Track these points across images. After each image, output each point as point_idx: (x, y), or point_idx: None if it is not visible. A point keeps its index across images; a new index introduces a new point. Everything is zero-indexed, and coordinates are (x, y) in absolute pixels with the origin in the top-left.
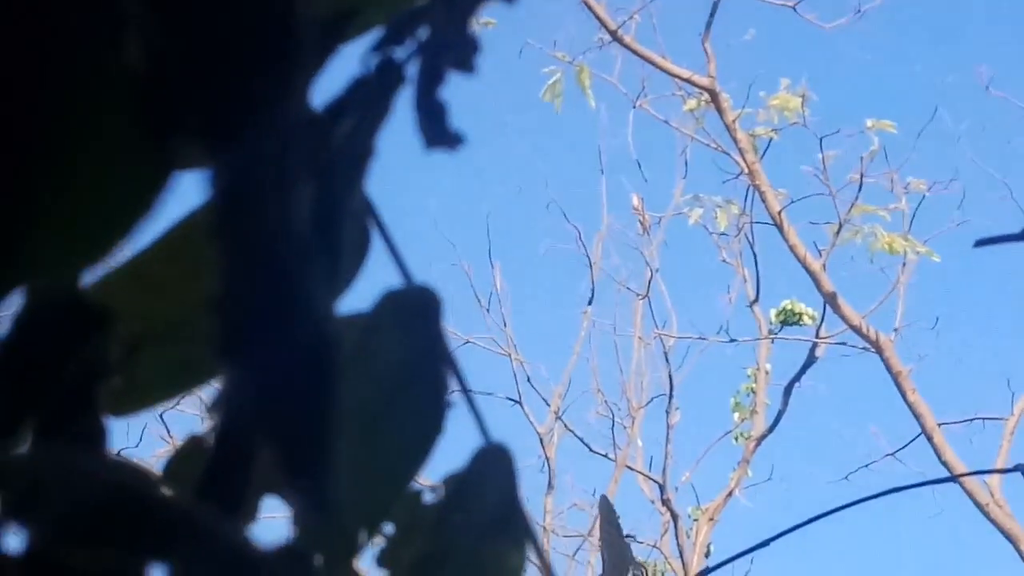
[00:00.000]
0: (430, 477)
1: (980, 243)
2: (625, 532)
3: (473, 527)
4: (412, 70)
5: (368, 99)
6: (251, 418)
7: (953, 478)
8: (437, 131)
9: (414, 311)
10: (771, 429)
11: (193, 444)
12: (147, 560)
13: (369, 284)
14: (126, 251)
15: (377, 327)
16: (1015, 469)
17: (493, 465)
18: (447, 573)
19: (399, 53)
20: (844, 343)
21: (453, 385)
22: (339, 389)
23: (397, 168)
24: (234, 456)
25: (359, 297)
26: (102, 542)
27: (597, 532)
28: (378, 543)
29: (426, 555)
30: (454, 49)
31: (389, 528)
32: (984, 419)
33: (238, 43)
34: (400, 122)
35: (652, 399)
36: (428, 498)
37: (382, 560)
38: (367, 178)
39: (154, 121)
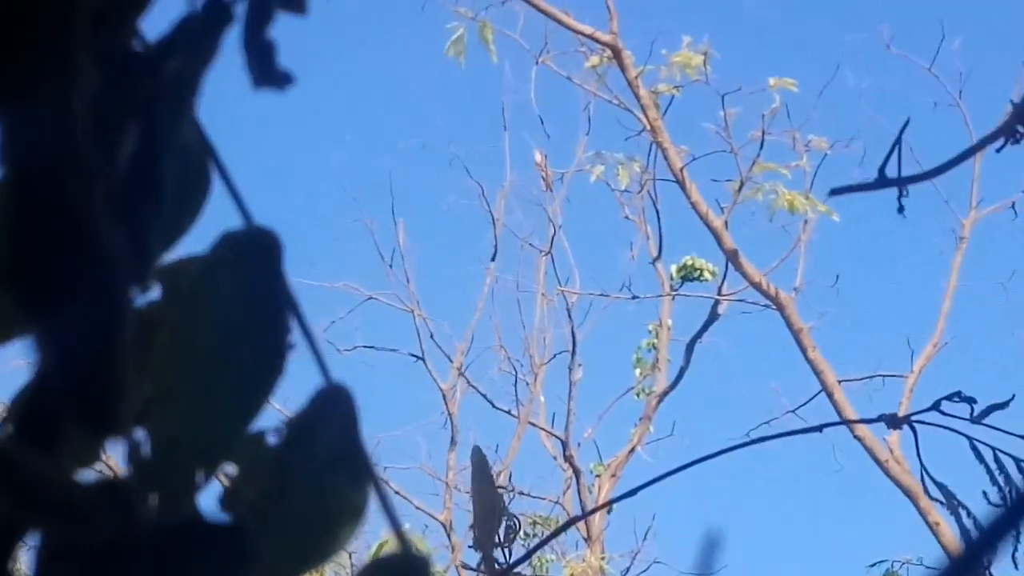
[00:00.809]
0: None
1: (834, 192)
2: (506, 485)
3: (313, 467)
4: (240, 9)
5: (195, 38)
6: (55, 364)
7: (819, 428)
8: (265, 70)
9: (253, 252)
10: (673, 385)
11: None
12: None
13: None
14: None
15: (215, 267)
16: (879, 419)
17: (333, 406)
18: (287, 512)
19: None
20: (745, 300)
21: (293, 327)
22: (132, 338)
23: (298, 124)
24: (46, 399)
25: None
26: None
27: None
28: (219, 483)
29: (266, 495)
30: None
31: (231, 469)
32: (884, 376)
33: None
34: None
35: (555, 355)
36: (270, 439)
37: (224, 500)
38: (195, 116)
39: None
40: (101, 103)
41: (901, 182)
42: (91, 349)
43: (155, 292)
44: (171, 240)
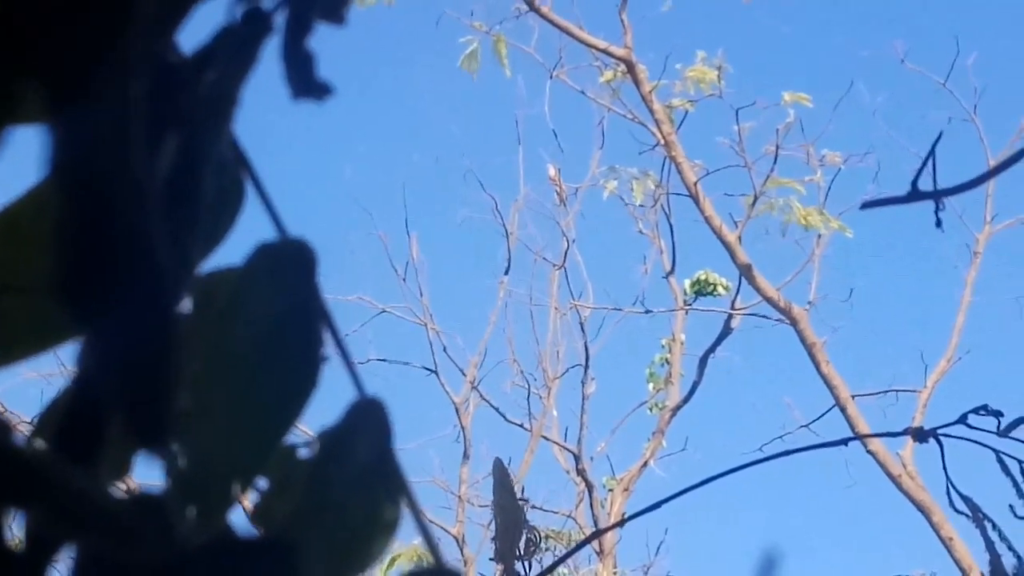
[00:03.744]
0: (306, 431)
1: (866, 205)
2: (526, 499)
3: (346, 481)
4: (280, 19)
5: (234, 48)
6: (102, 375)
7: (843, 441)
8: (304, 81)
9: (288, 264)
10: (686, 400)
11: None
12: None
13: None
14: None
15: (250, 280)
16: (904, 433)
17: (367, 419)
18: (320, 527)
19: (266, 2)
20: (758, 314)
21: (327, 339)
22: (183, 350)
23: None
24: (88, 410)
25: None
26: None
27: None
28: (252, 497)
29: (299, 509)
30: None
31: (263, 483)
32: (897, 391)
33: None
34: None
35: (568, 369)
36: (302, 452)
37: (256, 514)
38: (232, 127)
39: None
40: (143, 113)
41: (936, 195)
42: (142, 358)
43: (188, 304)
44: (206, 252)
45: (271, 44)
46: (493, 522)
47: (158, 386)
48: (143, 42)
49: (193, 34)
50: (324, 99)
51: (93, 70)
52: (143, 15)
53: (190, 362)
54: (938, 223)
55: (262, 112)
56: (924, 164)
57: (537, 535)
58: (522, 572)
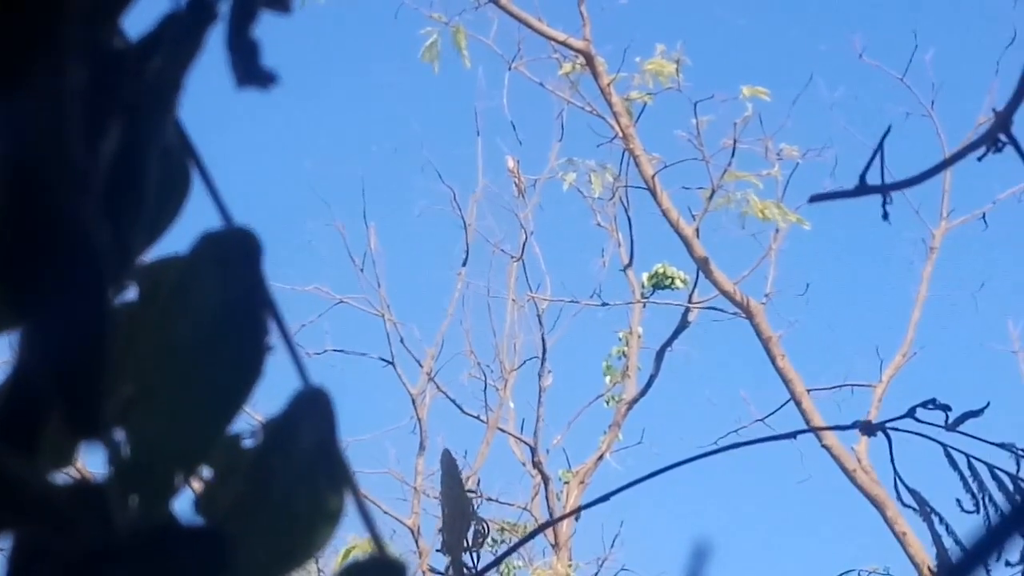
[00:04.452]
0: (256, 418)
1: (815, 198)
2: (477, 490)
3: (289, 471)
4: (225, 6)
5: (179, 35)
6: (38, 364)
7: (792, 435)
8: (249, 69)
9: (233, 253)
10: (643, 393)
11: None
12: None
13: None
14: None
15: (195, 269)
16: (853, 426)
17: (311, 409)
18: (263, 517)
19: None
20: (715, 308)
21: (273, 328)
22: (118, 340)
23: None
24: (25, 399)
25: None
26: None
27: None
28: (196, 486)
29: (242, 499)
30: None
31: (207, 472)
32: (853, 386)
33: None
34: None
35: (525, 362)
36: (246, 442)
37: (200, 504)
38: (178, 115)
39: None
40: (84, 101)
41: (884, 189)
42: (76, 347)
43: (133, 292)
44: (151, 240)
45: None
46: (441, 513)
47: (93, 375)
48: (83, 29)
49: (139, 20)
50: (269, 87)
51: (29, 57)
52: (81, 2)
53: (134, 350)
54: (885, 216)
55: (221, 103)
56: (873, 158)
57: (486, 526)
58: (470, 563)
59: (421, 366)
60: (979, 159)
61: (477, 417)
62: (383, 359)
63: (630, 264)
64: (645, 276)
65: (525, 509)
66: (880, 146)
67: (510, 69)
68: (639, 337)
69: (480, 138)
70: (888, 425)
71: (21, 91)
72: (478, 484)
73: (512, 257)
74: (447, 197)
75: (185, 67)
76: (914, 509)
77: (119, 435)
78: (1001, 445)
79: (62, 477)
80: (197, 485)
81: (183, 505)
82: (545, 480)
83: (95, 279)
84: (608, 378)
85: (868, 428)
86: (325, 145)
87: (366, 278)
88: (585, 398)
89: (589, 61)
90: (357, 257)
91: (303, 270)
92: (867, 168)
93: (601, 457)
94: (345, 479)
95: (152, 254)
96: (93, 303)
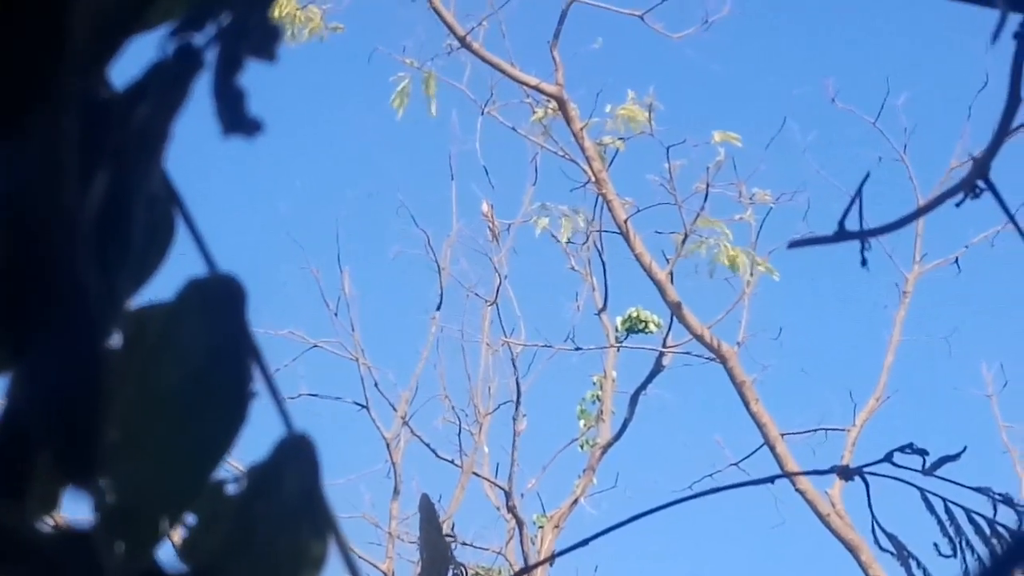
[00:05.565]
0: (236, 466)
1: (793, 244)
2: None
3: (273, 517)
4: (211, 56)
5: (165, 84)
6: (30, 409)
7: (770, 479)
8: (234, 117)
9: (218, 300)
10: (617, 437)
11: None
12: None
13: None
14: None
15: (180, 315)
16: (831, 471)
17: (294, 455)
18: (247, 563)
19: (198, 39)
20: (689, 352)
21: (256, 375)
22: (111, 385)
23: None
24: (16, 444)
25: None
26: None
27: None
28: (180, 533)
29: (226, 545)
30: (253, 36)
31: (191, 518)
32: (827, 430)
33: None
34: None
35: (499, 406)
36: (230, 488)
37: (184, 550)
38: (164, 163)
39: None
40: (74, 149)
41: (863, 235)
42: (70, 389)
43: (119, 339)
44: (136, 287)
45: (203, 80)
46: (420, 557)
47: (85, 421)
48: (75, 79)
49: (125, 70)
50: (255, 135)
51: (25, 107)
52: (75, 52)
53: (120, 397)
54: (863, 262)
55: (195, 147)
56: (851, 204)
57: (464, 571)
58: None
59: (395, 410)
60: (957, 205)
61: (451, 461)
62: (357, 403)
63: (604, 308)
64: (619, 320)
65: (500, 554)
66: (859, 192)
67: (483, 114)
68: (613, 381)
69: (454, 182)
70: (865, 469)
71: (18, 139)
72: (453, 528)
73: (486, 301)
74: (421, 241)
75: (172, 116)
76: (891, 553)
77: (103, 481)
78: (978, 489)
79: (47, 524)
80: (181, 532)
81: (167, 552)
82: (520, 524)
83: (88, 323)
84: (582, 422)
85: (846, 472)
86: (299, 189)
87: (340, 322)
88: (559, 442)
89: (562, 106)
90: (331, 301)
91: (277, 314)
92: (845, 214)
93: (576, 501)
94: (329, 526)
95: (138, 301)
96: (86, 345)
